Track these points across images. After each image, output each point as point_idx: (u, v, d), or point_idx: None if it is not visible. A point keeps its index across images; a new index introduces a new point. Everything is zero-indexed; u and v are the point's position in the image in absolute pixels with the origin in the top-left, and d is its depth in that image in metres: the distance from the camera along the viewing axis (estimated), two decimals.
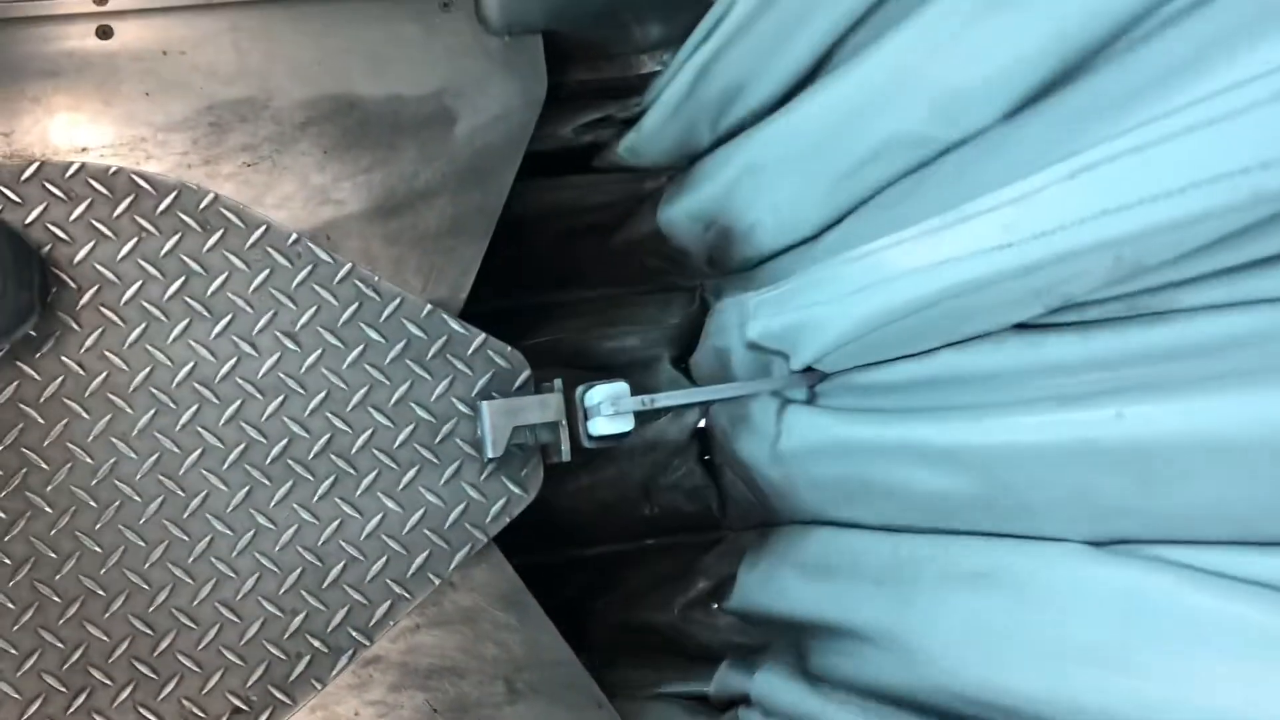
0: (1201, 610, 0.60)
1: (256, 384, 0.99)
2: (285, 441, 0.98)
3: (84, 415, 0.96)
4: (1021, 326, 0.72)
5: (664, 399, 0.99)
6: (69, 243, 0.97)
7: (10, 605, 0.94)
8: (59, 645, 0.94)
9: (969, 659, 0.77)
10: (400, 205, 1.03)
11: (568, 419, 0.98)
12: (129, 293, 0.98)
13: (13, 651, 0.93)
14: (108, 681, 0.94)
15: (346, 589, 0.98)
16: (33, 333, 0.96)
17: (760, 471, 1.08)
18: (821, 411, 0.96)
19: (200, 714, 0.95)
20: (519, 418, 0.97)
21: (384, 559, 0.99)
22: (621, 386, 0.99)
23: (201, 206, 0.99)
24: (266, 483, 0.98)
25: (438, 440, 1.00)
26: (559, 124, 1.14)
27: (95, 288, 0.97)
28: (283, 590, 0.97)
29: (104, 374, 0.97)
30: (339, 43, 1.03)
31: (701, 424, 1.24)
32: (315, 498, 0.98)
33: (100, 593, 0.95)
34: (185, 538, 0.97)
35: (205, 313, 0.98)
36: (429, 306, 1.01)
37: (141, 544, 0.96)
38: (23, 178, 0.97)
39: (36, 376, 0.96)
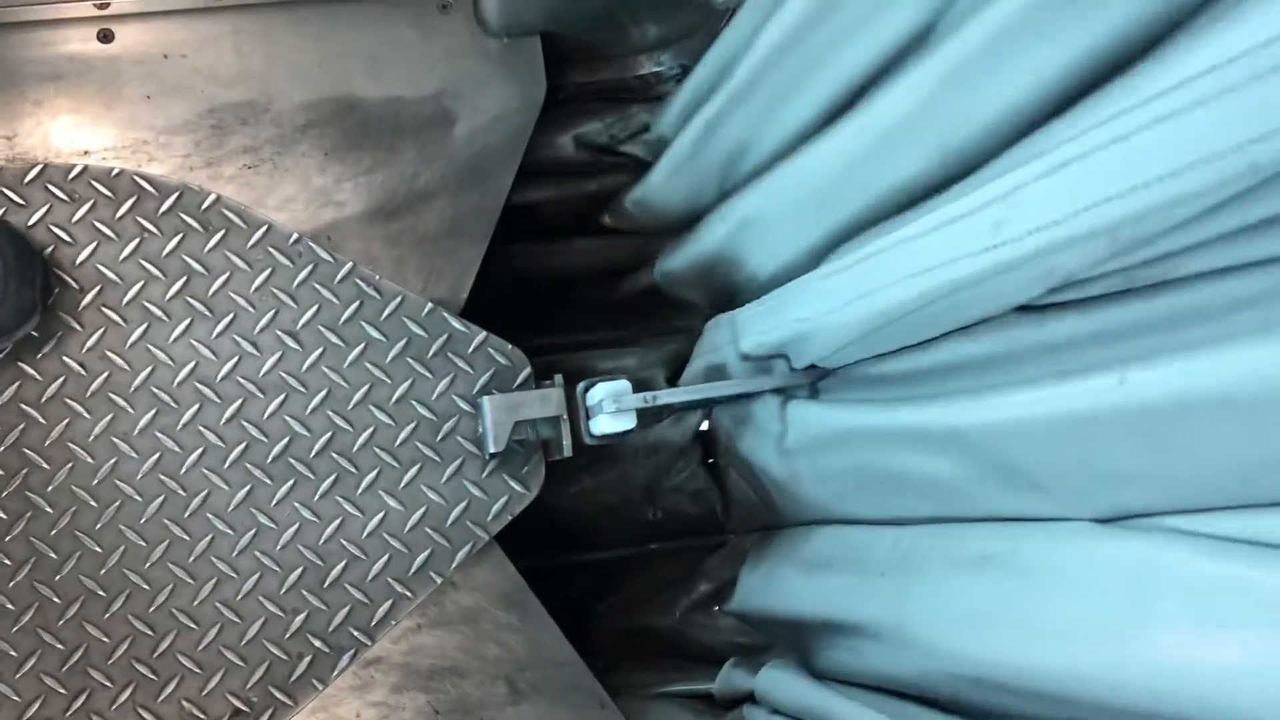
0: (1213, 577, 0.59)
1: (258, 383, 0.99)
2: (286, 440, 0.98)
3: (85, 415, 0.96)
4: (1024, 308, 0.72)
5: (666, 396, 0.99)
6: (71, 244, 0.98)
7: (10, 606, 0.93)
8: (59, 646, 0.93)
9: (977, 643, 0.76)
10: (400, 206, 1.04)
11: (569, 416, 0.98)
12: (131, 293, 0.98)
13: (12, 653, 0.93)
14: (107, 683, 0.94)
15: (348, 588, 0.98)
16: (35, 333, 0.96)
17: (766, 469, 1.07)
18: (826, 404, 0.96)
19: (201, 715, 0.94)
20: (520, 412, 0.97)
21: (385, 558, 0.98)
22: (624, 384, 0.99)
23: (203, 207, 1.00)
24: (268, 481, 0.98)
25: (439, 438, 1.00)
26: (558, 130, 1.15)
27: (97, 288, 0.98)
28: (284, 590, 0.97)
29: (105, 374, 0.97)
30: (339, 45, 1.04)
31: (704, 426, 1.23)
32: (316, 496, 0.98)
33: (100, 593, 0.95)
34: (186, 537, 0.96)
35: (207, 312, 0.99)
36: (429, 305, 1.01)
37: (142, 544, 0.96)
38: (26, 180, 0.98)
39: (38, 376, 0.96)
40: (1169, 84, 0.52)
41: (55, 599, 0.94)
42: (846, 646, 0.94)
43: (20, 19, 0.98)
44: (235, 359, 0.99)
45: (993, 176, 0.66)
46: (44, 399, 0.96)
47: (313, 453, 0.99)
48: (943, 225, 0.69)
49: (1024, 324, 0.73)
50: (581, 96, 1.14)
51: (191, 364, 0.98)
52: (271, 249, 1.00)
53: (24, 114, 0.99)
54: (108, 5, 0.99)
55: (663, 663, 1.22)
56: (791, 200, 0.95)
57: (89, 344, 0.97)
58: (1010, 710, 0.76)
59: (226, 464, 0.97)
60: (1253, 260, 0.57)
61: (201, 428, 0.98)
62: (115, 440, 0.96)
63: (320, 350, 1.00)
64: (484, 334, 1.02)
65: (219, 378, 0.98)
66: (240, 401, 0.98)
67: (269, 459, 0.98)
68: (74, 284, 0.98)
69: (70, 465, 0.96)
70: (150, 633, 0.95)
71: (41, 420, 0.96)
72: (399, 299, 1.01)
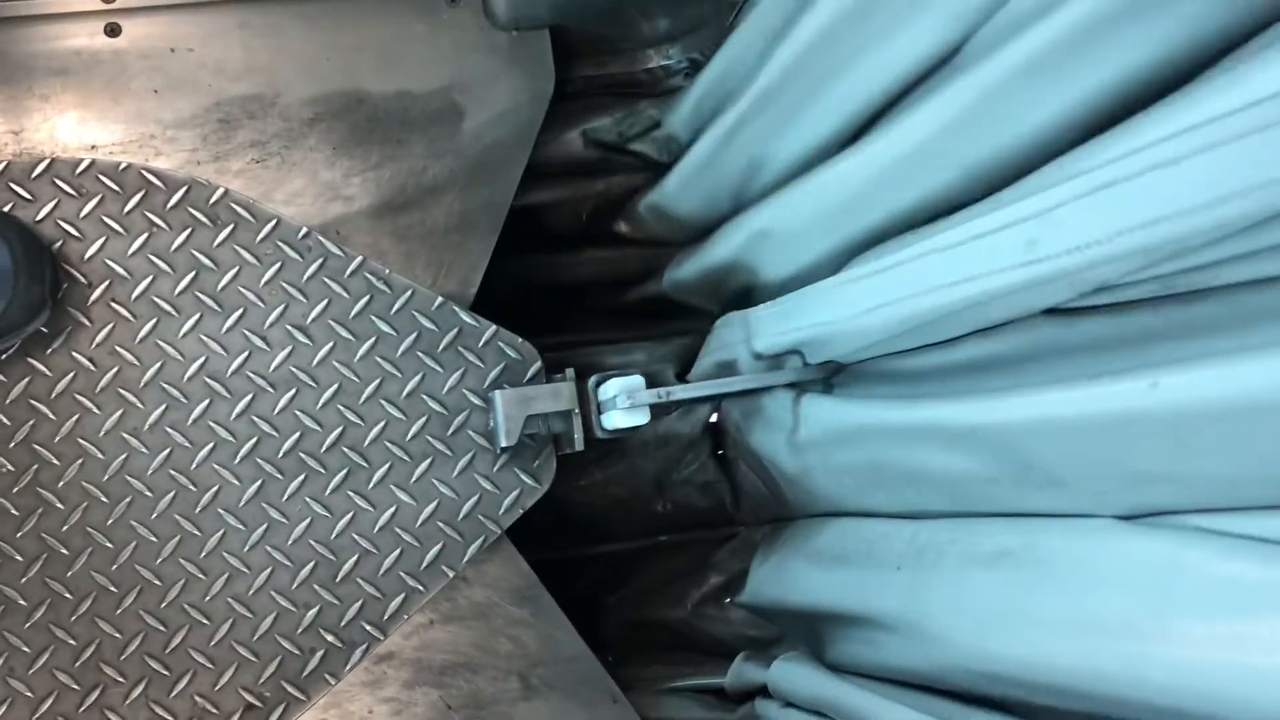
0: (1240, 576, 0.59)
1: (268, 378, 0.98)
2: (297, 435, 0.98)
3: (95, 411, 0.96)
4: (1052, 311, 0.72)
5: (680, 392, 0.99)
6: (80, 238, 0.97)
7: (22, 602, 0.93)
8: (71, 642, 0.93)
9: (995, 638, 0.76)
10: (409, 201, 1.03)
11: (581, 409, 0.98)
12: (140, 288, 0.98)
13: (25, 649, 0.92)
14: (120, 678, 0.93)
15: (360, 582, 0.97)
16: (44, 328, 0.96)
17: (776, 463, 1.07)
18: (841, 399, 0.96)
19: (213, 710, 0.94)
20: (532, 407, 0.97)
21: (397, 552, 0.98)
22: (637, 379, 0.99)
23: (211, 201, 0.99)
24: (279, 477, 0.97)
25: (450, 432, 1.00)
26: (566, 126, 1.14)
27: (106, 283, 0.97)
28: (296, 584, 0.97)
29: (115, 369, 0.96)
30: (346, 39, 1.03)
31: (713, 419, 1.23)
32: (328, 491, 0.98)
33: (112, 589, 0.94)
34: (197, 533, 0.96)
35: (216, 307, 0.98)
36: (440, 299, 1.01)
37: (153, 539, 0.95)
38: (33, 174, 0.97)
39: (48, 372, 0.96)
40: (1221, 110, 0.52)
41: (67, 595, 0.94)
42: (861, 639, 0.94)
43: (27, 13, 0.98)
44: (245, 354, 0.98)
45: (1024, 194, 0.66)
46: (54, 394, 0.95)
47: (324, 447, 0.98)
48: (972, 239, 0.68)
49: (1052, 325, 0.73)
50: (590, 90, 1.14)
51: (201, 359, 0.98)
52: (281, 243, 1.00)
53: (31, 109, 0.99)
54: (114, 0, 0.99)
55: (674, 655, 1.22)
56: (811, 214, 0.94)
57: (98, 339, 0.97)
58: (1028, 703, 0.76)
59: (237, 459, 0.97)
60: None
61: (212, 423, 0.97)
62: (125, 436, 0.96)
63: (330, 345, 0.99)
64: (494, 328, 1.02)
65: (229, 373, 0.98)
66: (250, 396, 0.98)
67: (280, 454, 0.98)
68: (83, 279, 0.97)
69: (81, 461, 0.95)
70: (162, 628, 0.95)
71: (51, 416, 0.95)
72: (409, 293, 1.01)
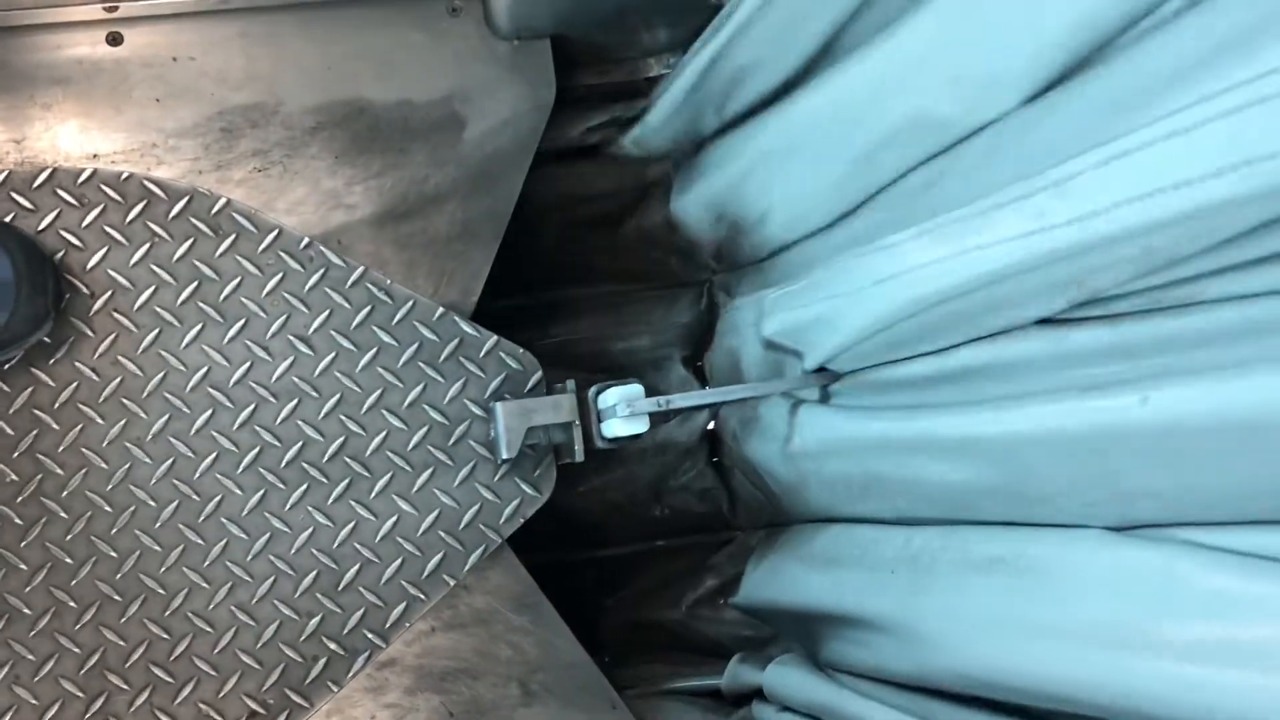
0: (1227, 590, 0.61)
1: (270, 388, 0.99)
2: (299, 445, 0.99)
3: (98, 420, 0.96)
4: (1045, 321, 0.72)
5: (679, 400, 0.99)
6: (82, 249, 0.98)
7: (26, 610, 0.94)
8: (75, 650, 0.94)
9: (988, 644, 0.77)
10: (411, 210, 1.04)
11: (581, 419, 0.99)
12: (142, 298, 0.98)
13: (29, 657, 0.93)
14: (125, 686, 0.94)
15: (362, 591, 0.98)
16: (46, 339, 0.96)
17: (771, 472, 1.08)
18: (835, 410, 0.97)
19: (217, 717, 0.95)
20: (533, 419, 0.97)
21: (399, 561, 0.99)
22: (636, 388, 0.99)
23: (214, 211, 1.00)
24: (281, 486, 0.98)
25: (451, 442, 1.01)
26: (567, 127, 1.15)
27: (108, 293, 0.98)
28: (299, 593, 0.98)
29: (118, 379, 0.97)
30: (348, 48, 1.03)
31: (710, 425, 1.24)
32: (330, 501, 0.99)
33: (116, 597, 0.95)
34: (201, 542, 0.97)
35: (218, 317, 0.99)
36: (441, 309, 1.02)
37: (157, 548, 0.96)
38: (35, 184, 0.98)
39: (51, 382, 0.96)
40: (1222, 86, 0.52)
41: (71, 603, 0.95)
42: (854, 640, 0.96)
43: (28, 22, 0.98)
44: (247, 364, 0.99)
45: (1038, 167, 0.65)
46: (57, 404, 0.96)
47: (326, 457, 0.99)
48: (987, 210, 0.68)
49: (1045, 336, 0.73)
50: (591, 98, 1.14)
51: (204, 369, 0.98)
52: (282, 253, 1.00)
53: (32, 118, 0.99)
54: (116, 8, 0.98)
55: (670, 656, 1.23)
56: (806, 134, 0.93)
57: (101, 349, 0.97)
58: (1022, 707, 0.77)
59: (240, 469, 0.98)
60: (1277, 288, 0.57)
61: (215, 433, 0.98)
62: (129, 445, 0.97)
63: (332, 355, 1.00)
64: (495, 338, 1.02)
65: (231, 383, 0.98)
66: (253, 407, 0.98)
67: (282, 464, 0.98)
68: (85, 289, 0.98)
69: (84, 470, 0.96)
70: (167, 636, 0.96)
71: (55, 426, 0.96)
72: (410, 303, 1.01)
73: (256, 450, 0.98)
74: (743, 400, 1.09)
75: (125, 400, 0.97)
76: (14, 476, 0.95)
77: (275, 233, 1.00)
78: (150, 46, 1.00)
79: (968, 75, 0.75)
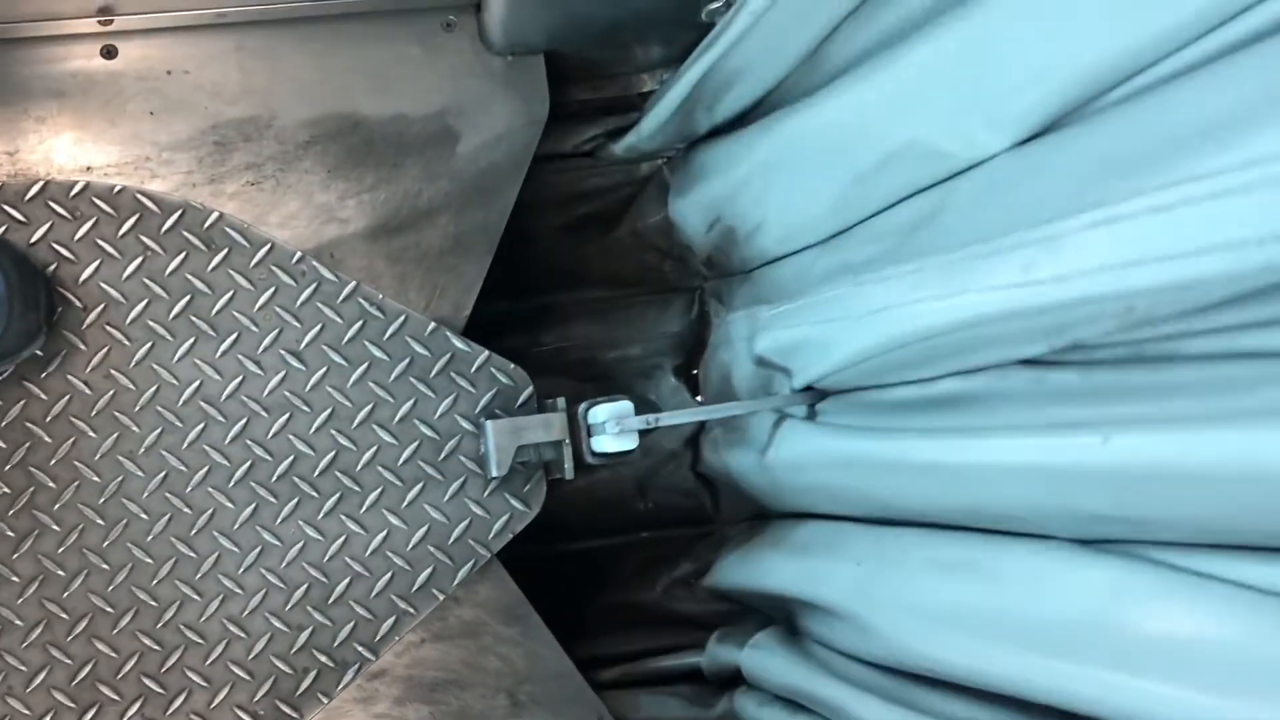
0: (1182, 607, 0.62)
1: (262, 402, 0.99)
2: (291, 459, 0.99)
3: (91, 434, 0.97)
4: (1028, 362, 0.74)
5: (668, 418, 1.00)
6: (74, 262, 0.98)
7: (19, 622, 0.95)
8: (68, 661, 0.95)
9: (938, 643, 0.80)
10: (403, 224, 1.04)
11: (571, 436, 1.00)
12: (134, 311, 0.98)
13: (22, 668, 0.94)
14: (116, 697, 0.96)
15: (352, 604, 1.00)
16: (39, 352, 0.96)
17: (744, 478, 1.11)
18: (817, 427, 0.98)
19: None
20: (523, 437, 0.98)
21: (389, 575, 1.00)
22: (626, 405, 1.00)
23: (206, 225, 1.00)
24: (272, 500, 0.99)
25: (441, 457, 1.02)
26: (561, 141, 1.15)
27: (101, 306, 0.98)
28: (289, 606, 0.99)
29: (110, 392, 0.98)
30: (342, 62, 1.04)
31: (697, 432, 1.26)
32: (321, 514, 1.00)
33: (108, 609, 0.96)
34: (193, 555, 0.98)
35: (210, 331, 0.99)
36: (432, 324, 1.02)
37: (149, 561, 0.97)
38: (27, 197, 0.98)
39: (43, 395, 0.97)
40: (1212, 168, 0.53)
41: (63, 615, 0.96)
42: (816, 620, 0.99)
43: (23, 35, 0.98)
44: (239, 378, 0.99)
45: (1029, 217, 0.67)
46: (49, 418, 0.97)
47: (316, 471, 1.00)
48: (978, 257, 0.70)
49: (1025, 376, 0.75)
50: (584, 113, 1.14)
51: (196, 383, 0.99)
52: (274, 268, 1.01)
53: (26, 130, 0.99)
54: (111, 22, 0.98)
55: (646, 635, 1.25)
56: (810, 147, 0.94)
57: (93, 363, 0.98)
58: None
59: (231, 482, 0.99)
60: (1255, 351, 0.59)
61: (206, 446, 0.99)
62: (121, 459, 0.97)
63: (324, 370, 1.01)
64: (486, 354, 1.03)
65: (223, 397, 0.99)
66: (244, 421, 0.99)
67: (273, 478, 0.99)
68: (78, 302, 0.98)
69: (76, 484, 0.97)
70: (158, 648, 0.97)
71: (47, 439, 0.97)
72: (402, 318, 1.02)
73: (248, 464, 0.99)
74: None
75: (117, 414, 0.98)
76: (6, 489, 0.96)
77: (268, 247, 1.01)
78: (145, 60, 1.00)
79: (965, 111, 0.76)
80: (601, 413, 1.01)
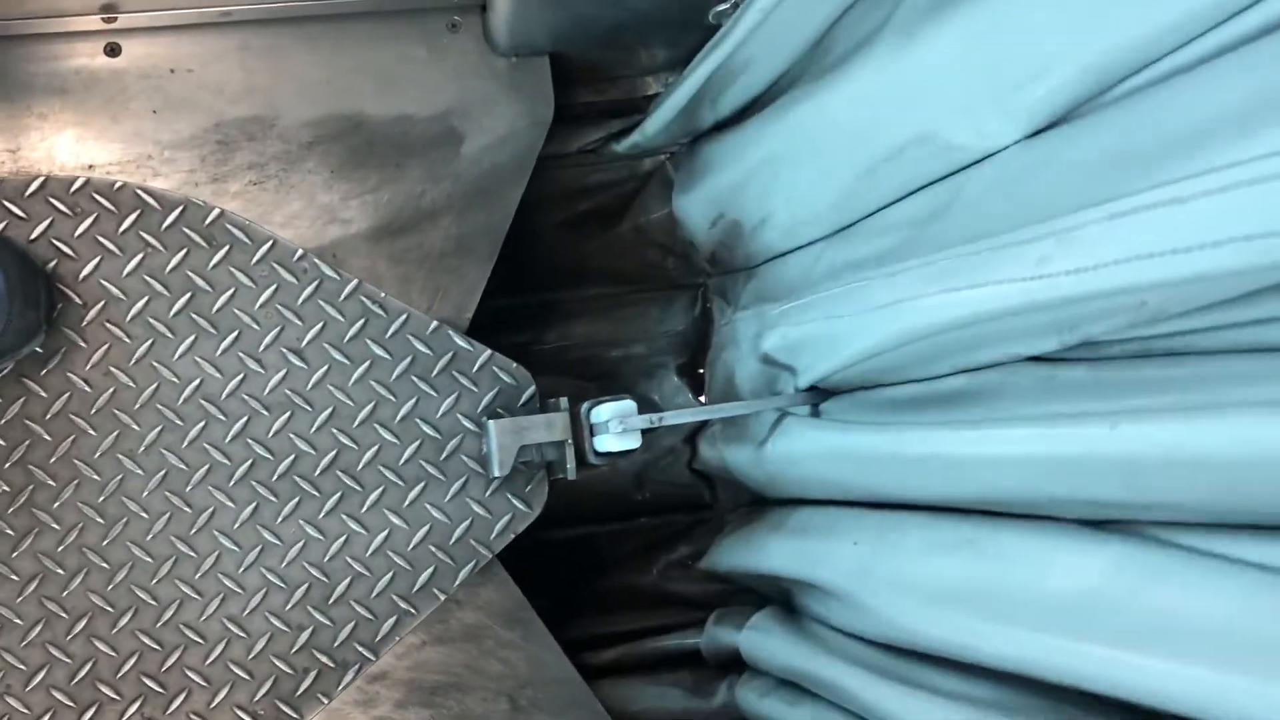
0: (1182, 583, 0.63)
1: (263, 400, 0.99)
2: (292, 458, 0.99)
3: (90, 431, 0.96)
4: (1036, 359, 0.74)
5: (671, 417, 1.00)
6: (74, 258, 0.98)
7: (18, 621, 0.94)
8: (67, 660, 0.94)
9: (933, 623, 0.80)
10: (407, 225, 1.04)
11: (573, 436, 1.00)
12: (135, 308, 0.98)
13: (21, 667, 0.93)
14: (116, 696, 0.95)
15: (353, 604, 0.99)
16: (39, 349, 0.96)
17: (741, 470, 1.11)
18: (820, 423, 0.98)
19: None
20: (525, 437, 0.98)
21: (390, 575, 1.00)
22: (629, 405, 1.00)
23: (207, 222, 1.00)
24: (273, 499, 0.98)
25: (443, 457, 1.01)
26: (564, 143, 1.15)
27: (101, 303, 0.98)
28: (289, 606, 0.98)
29: (110, 390, 0.97)
30: (347, 62, 1.04)
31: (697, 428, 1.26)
32: (322, 514, 0.99)
33: (108, 608, 0.95)
34: (193, 554, 0.97)
35: (211, 329, 0.99)
36: (435, 323, 1.02)
37: (149, 560, 0.96)
38: (27, 193, 0.97)
39: (43, 393, 0.96)
40: (1226, 161, 0.53)
41: (63, 614, 0.95)
42: (816, 599, 1.00)
43: (27, 32, 0.97)
44: (240, 376, 0.99)
45: (1041, 212, 0.66)
46: (49, 415, 0.96)
47: (318, 470, 0.99)
48: (993, 250, 0.69)
49: (1033, 373, 0.75)
50: (589, 115, 1.15)
51: (196, 381, 0.98)
52: (276, 265, 1.01)
53: (29, 127, 0.98)
54: (115, 19, 0.98)
55: (642, 615, 1.25)
56: (815, 139, 0.94)
57: (93, 360, 0.97)
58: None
59: (232, 481, 0.98)
60: (1261, 346, 0.59)
61: (207, 445, 0.98)
62: (121, 457, 0.97)
63: (325, 368, 1.00)
64: (489, 353, 1.03)
65: (224, 395, 0.99)
66: (245, 419, 0.99)
67: (274, 476, 0.99)
68: (77, 299, 0.98)
69: (76, 482, 0.96)
70: (158, 647, 0.96)
71: (47, 437, 0.96)
72: (404, 317, 1.02)
73: (249, 463, 0.98)
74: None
75: (117, 411, 0.97)
76: (5, 487, 0.95)
77: (269, 244, 1.00)
78: (148, 58, 1.00)
79: (977, 101, 0.75)
80: (604, 412, 1.01)
